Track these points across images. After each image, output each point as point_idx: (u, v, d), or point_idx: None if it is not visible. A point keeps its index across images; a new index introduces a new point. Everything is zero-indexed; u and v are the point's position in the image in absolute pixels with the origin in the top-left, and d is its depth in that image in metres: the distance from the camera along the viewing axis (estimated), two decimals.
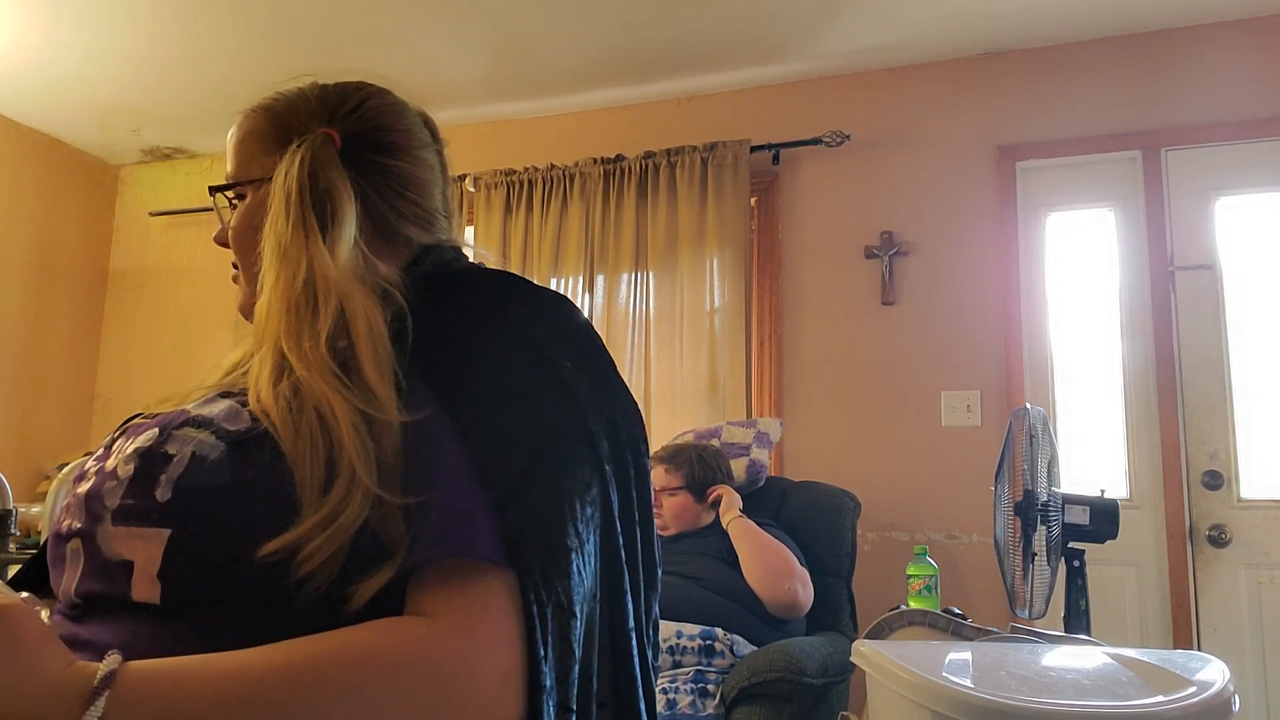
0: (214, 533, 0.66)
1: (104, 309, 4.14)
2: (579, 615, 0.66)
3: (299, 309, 0.72)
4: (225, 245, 0.88)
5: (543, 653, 0.63)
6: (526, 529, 0.65)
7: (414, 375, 0.72)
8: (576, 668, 0.65)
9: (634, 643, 0.73)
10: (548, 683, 0.63)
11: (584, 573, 0.68)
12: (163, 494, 0.67)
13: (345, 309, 0.72)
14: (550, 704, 0.63)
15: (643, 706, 0.72)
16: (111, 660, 0.58)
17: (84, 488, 0.73)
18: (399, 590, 0.65)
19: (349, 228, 0.78)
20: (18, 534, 2.29)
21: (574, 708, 0.65)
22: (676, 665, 1.98)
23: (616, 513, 0.74)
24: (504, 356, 0.73)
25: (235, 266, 0.87)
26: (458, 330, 0.74)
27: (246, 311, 0.84)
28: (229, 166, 0.86)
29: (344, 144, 0.82)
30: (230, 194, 0.86)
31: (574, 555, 0.67)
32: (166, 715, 0.57)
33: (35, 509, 2.84)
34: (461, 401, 0.70)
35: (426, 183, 0.87)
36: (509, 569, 0.64)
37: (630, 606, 0.73)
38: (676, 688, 1.93)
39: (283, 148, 0.81)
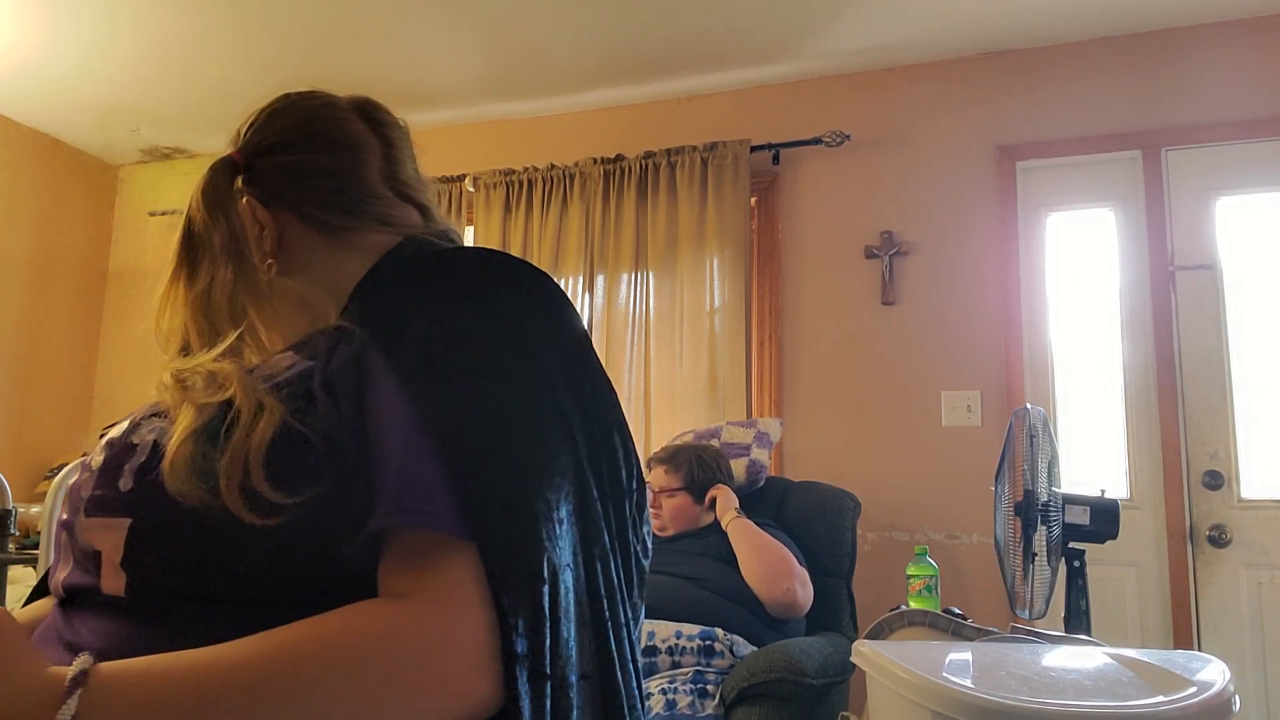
0: (171, 520, 0.66)
1: (103, 309, 4.14)
2: (549, 582, 0.65)
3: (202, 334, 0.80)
4: None
5: (512, 621, 0.63)
6: (490, 500, 0.65)
7: (373, 355, 0.70)
8: (548, 634, 0.65)
9: (609, 612, 0.71)
10: (519, 650, 0.63)
11: (554, 540, 0.67)
12: (125, 483, 0.69)
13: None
14: (524, 672, 0.63)
15: (619, 677, 0.71)
16: (82, 660, 0.58)
17: (72, 480, 0.76)
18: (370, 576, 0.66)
19: (222, 251, 0.81)
20: (17, 534, 2.29)
21: (549, 673, 0.64)
22: (676, 665, 1.98)
23: (592, 483, 0.73)
24: (468, 328, 0.72)
25: None
26: (421, 303, 0.73)
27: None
28: None
29: (247, 161, 0.85)
30: None
31: (542, 522, 0.66)
32: (144, 709, 0.56)
33: (35, 509, 2.84)
34: (423, 376, 0.68)
35: (348, 166, 0.86)
36: (470, 541, 0.64)
37: (605, 576, 0.72)
38: (676, 688, 1.92)
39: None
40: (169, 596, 0.66)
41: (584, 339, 0.78)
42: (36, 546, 2.34)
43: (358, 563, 0.65)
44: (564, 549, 0.68)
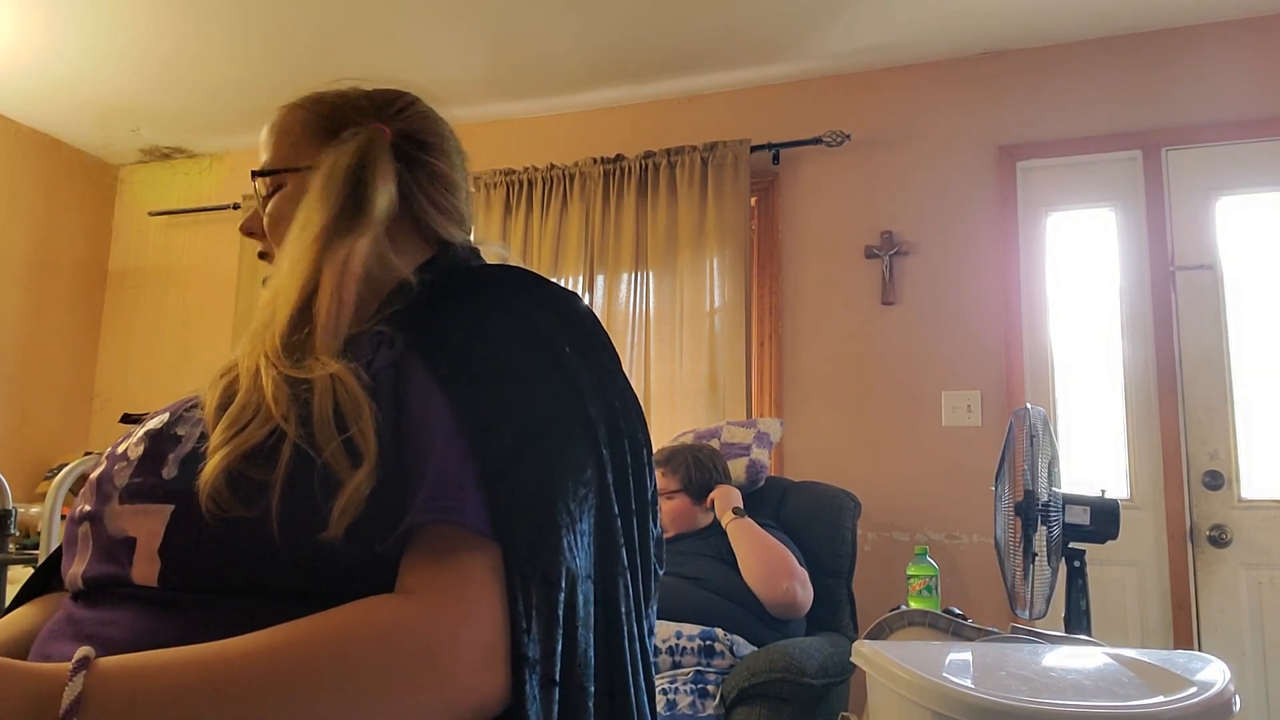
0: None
1: (103, 308, 4.14)
2: (566, 590, 0.66)
3: (303, 292, 0.76)
4: (253, 234, 0.91)
5: (525, 625, 0.63)
6: (515, 504, 0.66)
7: (413, 359, 0.73)
8: (561, 642, 0.65)
9: (625, 627, 0.72)
10: (531, 654, 0.63)
11: (575, 550, 0.68)
12: (169, 472, 0.69)
13: (323, 295, 0.75)
14: (534, 676, 0.63)
15: (632, 690, 0.71)
16: (84, 650, 0.58)
17: (96, 473, 0.75)
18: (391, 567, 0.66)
19: (378, 220, 0.81)
20: (17, 534, 2.29)
21: (559, 680, 0.65)
22: (676, 665, 1.98)
23: (614, 497, 0.73)
24: (504, 339, 0.74)
25: (263, 256, 0.91)
26: (460, 315, 0.76)
27: None
28: (268, 155, 0.89)
29: (393, 140, 0.86)
30: (270, 182, 0.88)
31: (564, 532, 0.67)
32: (147, 696, 0.56)
33: (35, 509, 2.84)
34: (460, 381, 0.71)
35: (459, 186, 0.92)
36: (494, 542, 0.65)
37: (625, 590, 0.73)
38: (676, 688, 1.92)
39: (331, 139, 0.86)
40: (202, 588, 0.66)
41: (614, 358, 0.80)
42: (36, 546, 2.34)
43: (393, 557, 0.66)
44: (585, 560, 0.69)
